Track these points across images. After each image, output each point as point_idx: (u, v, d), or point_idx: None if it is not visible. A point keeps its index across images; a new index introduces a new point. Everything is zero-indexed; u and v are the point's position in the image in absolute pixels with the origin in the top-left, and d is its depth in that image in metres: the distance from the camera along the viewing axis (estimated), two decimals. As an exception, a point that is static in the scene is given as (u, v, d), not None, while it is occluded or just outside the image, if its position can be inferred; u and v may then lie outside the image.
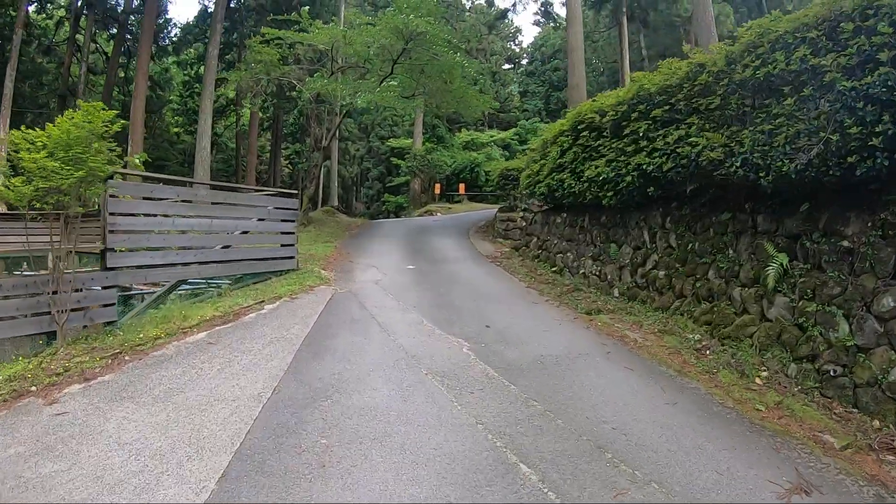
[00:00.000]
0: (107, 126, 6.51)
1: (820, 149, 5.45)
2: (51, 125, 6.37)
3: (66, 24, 35.31)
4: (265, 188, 16.54)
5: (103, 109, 6.47)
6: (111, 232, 7.52)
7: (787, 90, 5.83)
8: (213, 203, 10.12)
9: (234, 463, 4.00)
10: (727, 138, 6.66)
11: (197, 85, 36.89)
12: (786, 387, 5.76)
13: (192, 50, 41.05)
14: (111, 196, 7.52)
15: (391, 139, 45.67)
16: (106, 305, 7.46)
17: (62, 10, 37.06)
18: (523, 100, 53.83)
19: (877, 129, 4.88)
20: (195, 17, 40.11)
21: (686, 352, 6.86)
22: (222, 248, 9.87)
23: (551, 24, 50.56)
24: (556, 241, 13.04)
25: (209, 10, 33.56)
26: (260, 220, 11.01)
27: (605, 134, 9.64)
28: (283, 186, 38.05)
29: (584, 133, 10.32)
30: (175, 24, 53.00)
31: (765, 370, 6.10)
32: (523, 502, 3.60)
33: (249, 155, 37.76)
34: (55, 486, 3.77)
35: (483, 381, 5.72)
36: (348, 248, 16.44)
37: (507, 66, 59.42)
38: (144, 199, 8.73)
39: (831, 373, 5.50)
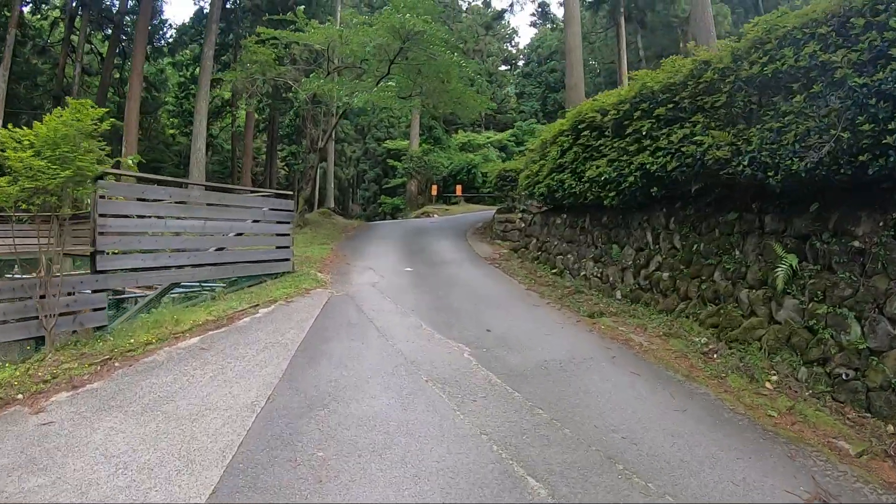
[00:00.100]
0: (95, 124, 6.28)
1: (831, 147, 5.31)
2: (38, 123, 6.16)
3: (61, 24, 35.08)
4: (260, 189, 16.30)
5: (92, 107, 6.23)
6: (101, 234, 7.28)
7: (796, 87, 5.70)
8: (207, 204, 9.88)
9: (225, 478, 3.79)
10: (734, 137, 6.51)
11: (192, 86, 36.67)
12: (796, 391, 5.62)
13: (187, 51, 40.84)
14: (101, 197, 7.30)
15: (388, 140, 45.51)
16: (96, 310, 7.22)
17: (57, 10, 36.80)
18: (520, 101, 53.78)
19: (890, 127, 4.74)
20: (191, 18, 39.97)
21: (693, 355, 6.69)
22: (216, 250, 9.65)
23: (548, 26, 50.53)
24: (556, 243, 12.86)
25: (205, 11, 33.39)
26: (255, 221, 10.80)
27: (606, 133, 9.49)
28: (279, 188, 37.78)
29: (585, 132, 10.15)
30: (171, 25, 52.70)
31: (774, 374, 5.95)
32: (532, 519, 3.41)
33: (245, 156, 37.57)
34: (38, 501, 3.56)
35: (486, 388, 5.52)
36: (345, 250, 16.22)
37: (503, 68, 59.40)
38: (137, 200, 8.51)
39: (843, 376, 5.36)
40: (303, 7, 21.80)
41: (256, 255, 10.73)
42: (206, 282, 10.25)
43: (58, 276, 6.58)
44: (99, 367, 6.03)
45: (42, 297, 6.47)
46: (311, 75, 21.17)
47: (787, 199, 6.41)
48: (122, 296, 10.81)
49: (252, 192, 13.59)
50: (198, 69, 29.53)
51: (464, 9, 52.29)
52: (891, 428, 4.78)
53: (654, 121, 8.05)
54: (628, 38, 35.21)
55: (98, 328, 7.20)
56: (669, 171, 7.57)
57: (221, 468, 3.91)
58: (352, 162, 51.34)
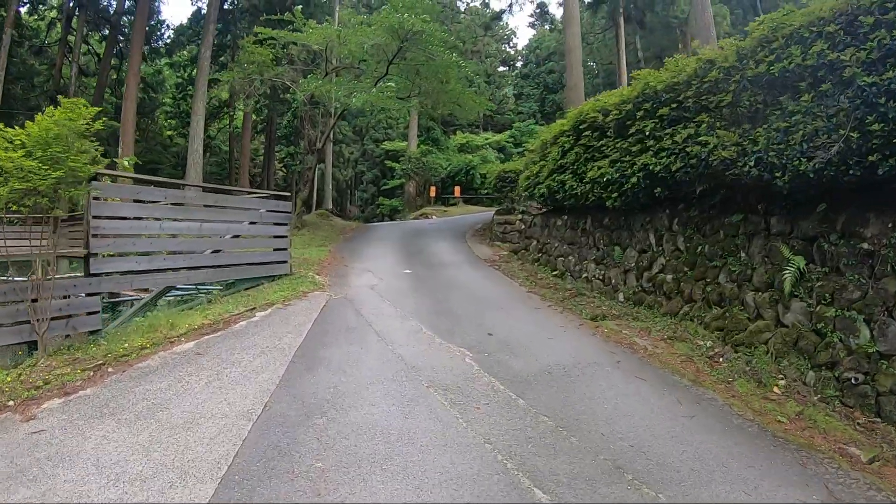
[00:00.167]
0: (88, 124, 6.13)
1: (840, 147, 5.21)
2: (30, 123, 6.03)
3: (58, 25, 34.88)
4: (257, 191, 16.16)
5: (85, 106, 6.08)
6: (94, 236, 7.15)
7: (803, 86, 5.60)
8: (203, 206, 9.74)
9: (220, 491, 3.64)
10: (740, 137, 6.39)
11: (190, 87, 36.51)
12: (805, 396, 5.53)
13: (185, 52, 40.68)
14: (95, 198, 7.15)
15: (386, 142, 45.36)
16: (90, 313, 7.08)
17: (54, 11, 36.62)
18: (518, 102, 53.74)
19: (900, 126, 4.62)
20: (188, 19, 39.83)
21: (699, 359, 6.58)
22: (213, 252, 9.51)
23: (546, 27, 50.46)
24: (556, 245, 12.73)
25: (202, 12, 33.21)
26: (252, 223, 10.66)
27: (608, 134, 9.37)
28: (276, 189, 37.67)
29: (587, 133, 10.02)
30: (168, 25, 52.83)
31: (782, 378, 5.85)
32: (540, 534, 3.28)
33: (243, 157, 37.42)
34: (24, 516, 3.42)
35: (489, 394, 5.38)
36: (343, 251, 16.09)
37: (501, 69, 59.32)
38: (132, 201, 8.37)
39: (852, 381, 5.27)
40: (300, 7, 21.64)
41: (253, 258, 10.59)
42: (202, 284, 10.09)
43: (49, 278, 6.43)
44: (92, 373, 5.89)
45: (34, 300, 6.34)
46: (308, 76, 21.04)
47: (793, 200, 6.31)
48: (118, 299, 10.65)
49: (249, 193, 13.47)
50: (195, 70, 29.39)
51: (462, 9, 52.24)
52: (902, 433, 4.67)
53: (657, 121, 7.93)
54: (627, 39, 35.13)
55: (92, 332, 7.07)
56: (673, 171, 7.45)
57: (216, 480, 3.76)
58: (350, 163, 51.17)
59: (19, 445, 4.34)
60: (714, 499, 3.69)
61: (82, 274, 7.25)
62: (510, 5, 66.16)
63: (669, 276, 8.33)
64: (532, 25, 54.93)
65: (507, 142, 42.99)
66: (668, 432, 4.69)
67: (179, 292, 10.19)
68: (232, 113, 41.75)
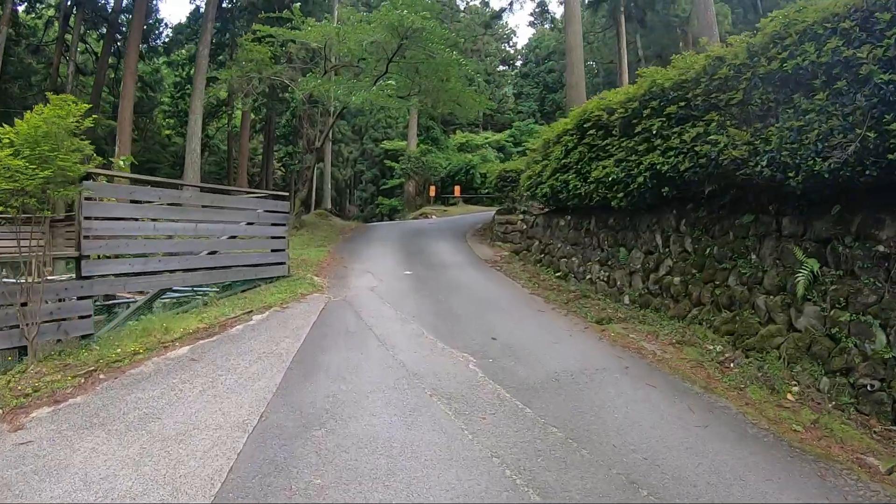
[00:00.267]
0: (79, 121, 5.92)
1: (856, 146, 5.05)
2: (19, 120, 5.81)
3: (56, 23, 34.65)
4: (255, 190, 15.96)
5: (75, 102, 5.87)
6: (86, 238, 6.92)
7: (817, 84, 5.45)
8: (199, 206, 9.54)
9: (213, 510, 3.45)
10: (751, 136, 6.22)
11: (188, 86, 36.30)
12: (819, 403, 5.37)
13: (183, 51, 40.46)
14: (87, 199, 6.94)
15: (385, 141, 45.15)
16: (82, 317, 6.85)
17: (51, 9, 36.36)
18: (517, 102, 53.56)
19: (919, 125, 4.47)
20: (187, 17, 39.63)
21: (709, 365, 6.40)
22: (209, 253, 9.30)
23: (546, 26, 50.27)
24: (559, 245, 12.53)
25: (201, 10, 32.98)
26: (249, 224, 10.44)
27: (613, 132, 9.19)
28: (275, 189, 37.51)
29: (591, 132, 9.84)
30: (166, 24, 52.49)
31: (795, 384, 5.69)
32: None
33: (241, 157, 37.18)
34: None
35: (494, 403, 5.18)
36: (342, 252, 15.88)
37: (501, 68, 59.13)
38: (125, 201, 8.16)
39: (868, 387, 5.12)
40: (299, 4, 21.43)
41: (251, 259, 10.38)
42: (198, 286, 9.89)
43: (40, 281, 6.22)
44: (83, 380, 5.69)
45: (24, 304, 6.13)
46: (307, 74, 20.83)
47: (806, 200, 6.14)
48: (114, 301, 10.45)
49: (247, 193, 13.26)
50: (193, 69, 29.16)
51: (461, 8, 52.01)
52: (920, 442, 4.54)
53: (664, 119, 7.76)
54: (627, 38, 34.94)
55: (84, 337, 6.85)
56: (682, 171, 7.27)
57: (209, 498, 3.56)
58: (349, 163, 50.96)
59: (6, 458, 4.14)
60: (735, 517, 3.50)
61: (74, 276, 7.04)
62: (510, 4, 65.91)
63: (677, 279, 8.14)
64: (532, 24, 54.76)
65: (507, 141, 42.82)
66: (681, 443, 4.51)
67: (175, 294, 10.00)
68: (230, 112, 41.51)
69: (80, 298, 6.89)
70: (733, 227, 7.26)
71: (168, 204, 8.83)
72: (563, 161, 11.05)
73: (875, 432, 4.82)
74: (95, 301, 8.57)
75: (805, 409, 5.23)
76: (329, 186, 39.98)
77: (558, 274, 11.87)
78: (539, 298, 10.01)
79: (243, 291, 9.86)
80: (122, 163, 10.40)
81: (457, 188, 34.10)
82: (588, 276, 10.71)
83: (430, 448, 4.26)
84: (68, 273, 9.13)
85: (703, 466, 4.13)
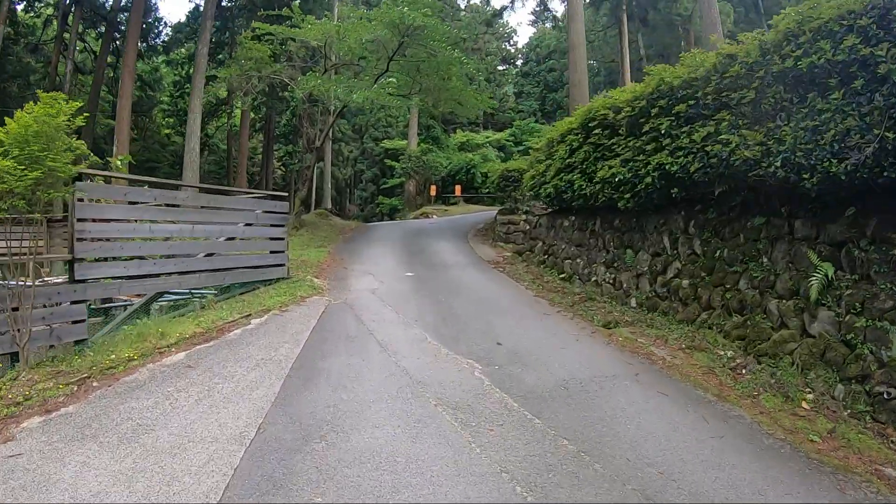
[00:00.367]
0: (69, 120, 5.72)
1: (875, 147, 4.89)
2: (9, 119, 5.63)
3: (54, 22, 34.46)
4: (254, 191, 15.80)
5: (65, 100, 5.67)
6: (80, 240, 6.73)
7: (833, 83, 5.28)
8: (196, 207, 9.35)
9: (208, 532, 3.26)
10: (764, 136, 6.03)
11: (187, 85, 36.08)
12: (834, 411, 5.22)
13: (182, 50, 40.28)
14: (80, 200, 6.75)
15: (385, 140, 44.97)
16: (75, 322, 6.67)
17: (50, 8, 36.17)
18: (518, 101, 53.40)
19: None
20: (186, 16, 39.56)
21: (720, 371, 6.23)
22: (206, 255, 9.10)
23: (547, 25, 50.03)
24: (563, 246, 12.34)
25: (200, 9, 32.80)
26: (248, 224, 10.24)
27: (620, 132, 9.02)
28: (275, 188, 37.40)
29: (597, 131, 9.65)
30: (166, 23, 52.44)
31: (809, 392, 5.53)
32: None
33: (241, 156, 36.99)
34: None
35: (502, 413, 4.98)
36: (342, 253, 15.69)
37: (501, 67, 58.93)
38: (120, 203, 7.97)
39: (885, 395, 4.95)
40: (298, 2, 21.22)
41: (249, 261, 10.18)
42: (196, 289, 9.70)
43: (31, 286, 6.03)
44: (76, 388, 5.52)
45: (15, 309, 5.93)
46: (307, 73, 20.62)
47: (820, 203, 5.98)
48: (111, 304, 10.24)
49: (245, 193, 13.08)
50: (192, 68, 28.99)
51: (462, 7, 51.78)
52: (938, 453, 4.41)
53: (673, 118, 7.57)
54: (629, 37, 34.76)
55: (77, 342, 6.67)
56: (691, 172, 7.08)
57: (204, 518, 3.38)
58: (349, 162, 50.78)
59: (-5, 471, 3.96)
60: (759, 538, 3.32)
61: (67, 280, 6.85)
62: (512, 2, 65.40)
63: (685, 282, 7.95)
64: (533, 23, 54.50)
65: (508, 140, 42.62)
66: (696, 456, 4.33)
67: (173, 296, 9.81)
68: (230, 111, 41.35)
69: (73, 303, 6.70)
70: (744, 230, 7.08)
71: (164, 205, 8.64)
72: (567, 161, 10.86)
73: (893, 442, 4.68)
74: (90, 305, 8.38)
75: (820, 418, 5.08)
76: (329, 186, 39.78)
77: (562, 275, 11.69)
78: (544, 301, 9.83)
79: (242, 294, 9.67)
80: (119, 162, 10.18)
81: (457, 187, 33.92)
82: (593, 278, 10.52)
83: (436, 463, 4.06)
84: (67, 274, 8.95)
85: (721, 481, 3.97)
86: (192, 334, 7.14)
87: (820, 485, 4.01)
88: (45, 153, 5.47)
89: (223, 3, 32.01)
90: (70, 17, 31.73)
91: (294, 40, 20.99)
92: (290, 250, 11.90)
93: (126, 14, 32.14)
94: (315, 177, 35.94)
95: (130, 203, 8.11)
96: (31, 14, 36.69)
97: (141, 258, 8.01)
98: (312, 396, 5.32)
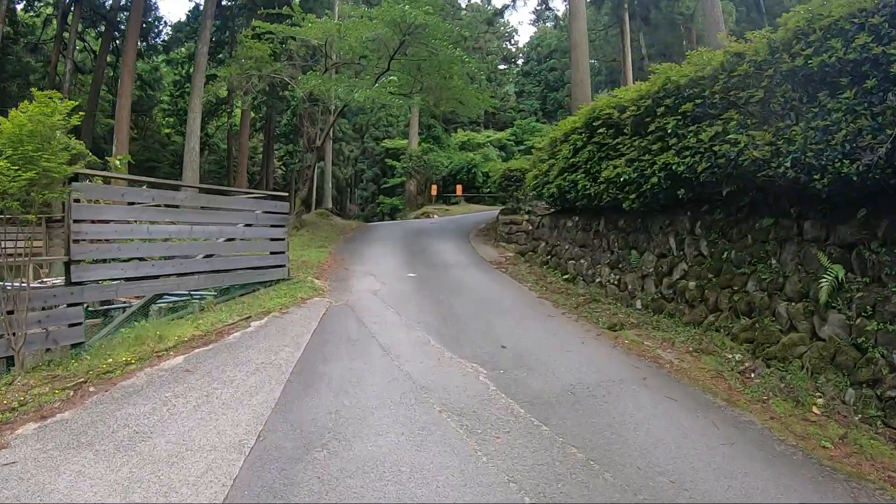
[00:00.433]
0: (64, 119, 5.60)
1: (888, 147, 4.80)
2: (3, 119, 5.51)
3: (54, 21, 34.37)
4: (253, 191, 15.67)
5: (60, 99, 5.55)
6: (76, 241, 6.61)
7: (844, 82, 5.20)
8: (195, 208, 9.23)
9: (205, 547, 3.14)
10: (773, 136, 5.93)
11: (188, 85, 36.00)
12: (845, 416, 5.11)
13: (183, 49, 40.16)
14: (76, 201, 6.63)
15: (386, 140, 44.85)
16: (72, 325, 6.55)
17: (50, 7, 36.09)
18: (519, 100, 53.23)
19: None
20: (186, 15, 39.41)
21: (729, 375, 6.12)
22: (205, 257, 8.98)
23: (548, 24, 49.89)
24: (567, 247, 12.21)
25: (200, 8, 32.68)
26: (247, 225, 10.11)
27: (625, 131, 8.91)
28: (275, 188, 37.31)
29: (601, 130, 9.54)
30: (166, 22, 52.34)
31: (820, 396, 5.42)
32: None
33: (241, 156, 36.90)
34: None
35: (508, 420, 4.85)
36: (343, 253, 15.56)
37: (502, 66, 58.79)
38: (117, 203, 7.84)
39: (896, 399, 4.83)
40: (299, 0, 21.10)
41: (249, 262, 10.06)
42: (195, 290, 9.57)
43: (26, 288, 5.91)
44: (72, 393, 5.39)
45: (10, 312, 5.82)
46: (308, 72, 20.52)
47: (830, 204, 5.88)
48: (111, 307, 10.12)
49: (245, 193, 12.96)
50: (192, 67, 28.89)
51: (463, 6, 51.63)
52: (952, 459, 4.32)
53: (679, 118, 7.47)
54: (630, 36, 34.64)
55: (74, 345, 6.55)
56: (699, 172, 6.97)
57: (202, 532, 3.26)
58: (350, 161, 50.67)
59: (-12, 481, 3.85)
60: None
61: (63, 282, 6.73)
62: (513, 1, 65.09)
63: (692, 283, 7.83)
64: (534, 23, 54.40)
65: (509, 140, 42.50)
66: (708, 464, 4.22)
67: (172, 298, 9.69)
68: (230, 110, 41.25)
69: (69, 305, 6.58)
70: (752, 231, 6.97)
71: (163, 205, 8.52)
72: (571, 160, 10.75)
73: (905, 447, 4.58)
74: (87, 307, 8.26)
75: (832, 424, 4.98)
76: (330, 185, 39.67)
77: (566, 276, 11.56)
78: (547, 302, 9.70)
79: (241, 295, 9.55)
80: (118, 162, 10.07)
81: (458, 187, 33.79)
82: (597, 280, 10.40)
83: (441, 472, 3.93)
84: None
85: (734, 490, 3.87)
86: (191, 337, 7.01)
87: (833, 493, 3.93)
88: (40, 153, 5.34)
89: (223, 3, 31.91)
90: (70, 17, 31.66)
91: (294, 39, 20.87)
92: (291, 251, 11.78)
93: (125, 13, 32.08)
94: (316, 176, 35.84)
95: (129, 203, 8.00)
96: (31, 13, 36.64)
97: (139, 259, 7.88)
98: (314, 402, 5.20)
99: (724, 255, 7.35)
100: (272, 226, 10.78)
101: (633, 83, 9.40)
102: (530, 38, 58.14)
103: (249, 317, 8.09)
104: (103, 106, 37.71)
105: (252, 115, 39.66)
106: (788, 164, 5.67)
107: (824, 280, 5.63)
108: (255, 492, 3.68)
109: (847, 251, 5.67)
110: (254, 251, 10.42)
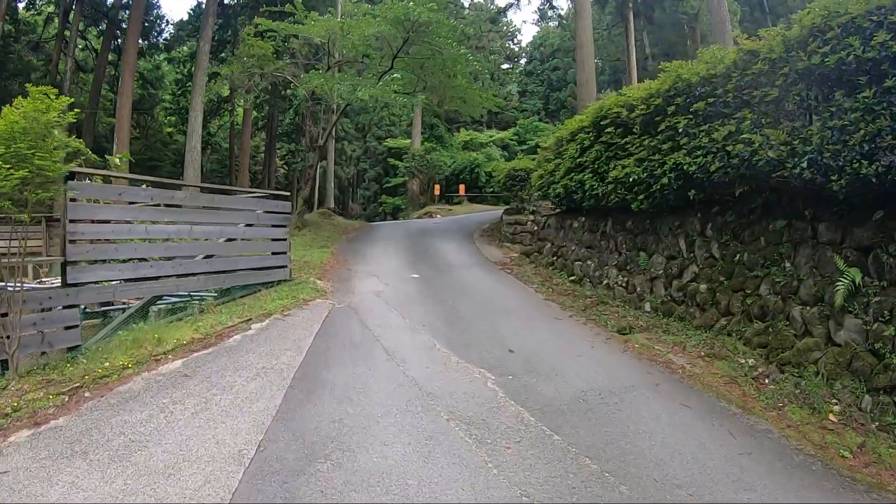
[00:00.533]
0: (59, 116, 5.43)
1: (909, 148, 4.62)
2: (-4, 115, 5.35)
3: (55, 20, 34.27)
4: (255, 190, 15.50)
5: (55, 95, 5.38)
6: (72, 242, 6.43)
7: (863, 81, 5.05)
8: (193, 207, 9.05)
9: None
10: (788, 135, 5.76)
11: (189, 83, 35.90)
12: (862, 423, 4.95)
13: (185, 47, 40.06)
14: (72, 200, 6.46)
15: (389, 139, 44.66)
16: (68, 328, 6.38)
17: (51, 5, 35.99)
18: (522, 100, 53.01)
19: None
20: (189, 13, 39.42)
21: (742, 381, 5.96)
22: (205, 257, 8.81)
23: (552, 24, 49.74)
24: (573, 248, 12.03)
25: (202, 6, 32.57)
26: (248, 225, 9.92)
27: (634, 130, 8.74)
28: (278, 187, 37.17)
29: (609, 129, 9.37)
30: (168, 21, 52.23)
31: (836, 403, 5.26)
32: None
33: (243, 155, 36.78)
34: None
35: (519, 429, 4.68)
36: (346, 253, 15.39)
37: (505, 66, 58.62)
38: (115, 203, 7.68)
39: (914, 407, 4.70)
40: (301, -2, 20.96)
41: (250, 262, 9.87)
42: (195, 291, 9.40)
43: (20, 290, 5.75)
44: (67, 398, 5.24)
45: (4, 314, 5.66)
46: (310, 71, 20.36)
47: (846, 206, 5.70)
48: (110, 307, 9.96)
49: (246, 192, 12.78)
50: (194, 66, 28.76)
51: (466, 5, 51.45)
52: (970, 468, 4.19)
53: (691, 117, 7.29)
54: (634, 35, 34.45)
55: (70, 349, 6.38)
56: (711, 172, 6.80)
57: (199, 551, 3.09)
58: (352, 161, 50.53)
59: (-22, 492, 3.70)
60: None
61: (59, 284, 6.57)
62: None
63: (703, 286, 7.66)
64: (537, 22, 54.28)
65: (511, 139, 42.29)
66: (727, 475, 4.08)
67: (172, 299, 9.53)
68: (232, 109, 41.13)
69: (65, 307, 6.42)
70: (765, 233, 6.78)
71: (163, 205, 8.35)
72: (578, 160, 10.58)
73: (923, 456, 4.44)
74: (86, 309, 8.11)
75: (849, 432, 4.84)
76: (332, 185, 39.48)
77: (572, 278, 11.38)
78: (554, 304, 9.53)
79: (242, 297, 9.37)
80: (117, 160, 9.88)
81: (461, 187, 33.60)
82: (605, 281, 10.22)
83: (450, 486, 3.76)
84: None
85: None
86: (190, 340, 6.84)
87: (854, 505, 3.75)
88: (33, 151, 5.17)
89: (226, 1, 31.78)
90: (71, 15, 31.53)
91: (297, 37, 20.71)
92: (293, 251, 11.61)
93: (127, 12, 31.94)
94: (318, 176, 35.70)
95: (128, 203, 7.84)
96: (32, 11, 36.53)
97: (138, 260, 7.72)
98: (316, 410, 5.03)
99: (737, 258, 7.18)
100: (274, 225, 10.60)
101: (646, 81, 9.22)
102: (533, 37, 58.05)
103: (250, 319, 7.91)
104: (105, 105, 37.59)
105: (254, 113, 39.54)
106: (805, 165, 5.51)
107: (840, 284, 5.46)
108: (255, 507, 3.50)
109: (863, 254, 5.51)
110: (255, 251, 10.24)
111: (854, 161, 5.01)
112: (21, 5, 33.28)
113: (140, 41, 29.93)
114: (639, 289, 9.13)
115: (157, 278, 7.87)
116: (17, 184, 5.11)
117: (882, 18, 4.94)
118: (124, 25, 32.25)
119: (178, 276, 8.18)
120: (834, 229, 5.87)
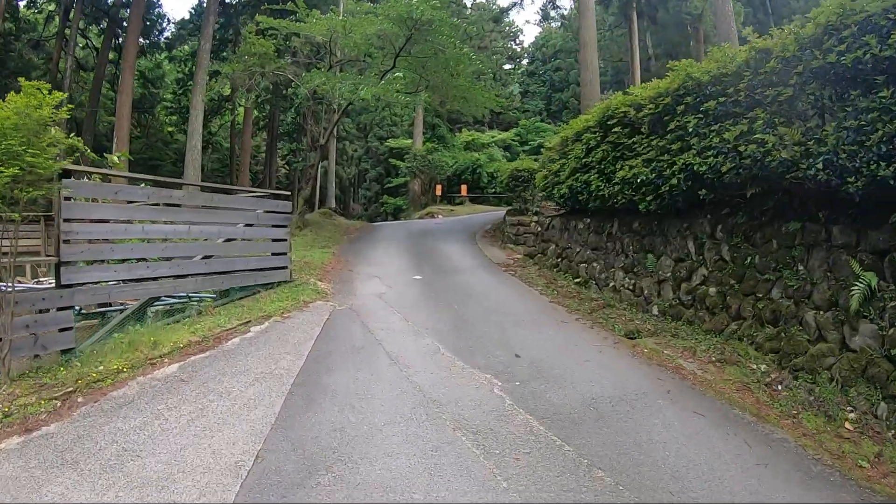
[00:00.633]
0: (53, 112, 5.26)
1: (929, 150, 4.51)
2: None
3: (56, 18, 34.18)
4: (255, 189, 15.32)
5: (48, 91, 5.21)
6: (66, 242, 6.27)
7: (880, 80, 4.91)
8: (192, 207, 8.89)
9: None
10: (802, 135, 5.61)
11: (190, 82, 35.79)
12: (879, 431, 4.80)
13: (186, 47, 40.00)
14: (67, 199, 6.30)
15: (390, 139, 44.56)
16: (62, 330, 6.21)
17: (52, 4, 35.90)
18: (524, 100, 52.90)
19: None
20: (190, 12, 39.31)
21: (755, 387, 5.79)
22: (203, 258, 8.64)
23: (554, 25, 49.65)
24: (578, 249, 11.85)
25: (204, 4, 32.46)
26: (248, 225, 9.75)
27: (641, 130, 8.55)
28: (279, 187, 37.02)
29: (616, 129, 9.19)
30: (169, 19, 52.15)
31: (851, 410, 5.11)
32: None
33: (243, 154, 36.67)
34: None
35: (528, 438, 4.50)
36: (347, 254, 15.23)
37: (507, 66, 58.51)
38: (112, 202, 7.52)
39: (931, 415, 4.54)
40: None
41: (249, 263, 9.70)
42: (193, 292, 9.24)
43: (11, 290, 5.58)
44: (59, 403, 5.08)
45: (-5, 317, 5.50)
46: (312, 70, 20.22)
47: (861, 208, 5.54)
48: (108, 308, 9.80)
49: (246, 192, 12.62)
50: (195, 65, 28.63)
51: (468, 4, 51.31)
52: None
53: (701, 116, 7.11)
54: (637, 36, 34.32)
55: (64, 351, 6.22)
56: (723, 173, 6.63)
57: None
58: (353, 161, 50.40)
59: (-35, 503, 3.54)
60: None
61: (53, 285, 6.41)
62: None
63: (713, 289, 7.48)
64: (539, 23, 54.15)
65: (513, 140, 42.18)
66: (745, 488, 3.93)
67: (170, 300, 9.36)
68: (233, 108, 40.99)
69: (59, 309, 6.25)
70: (777, 235, 6.61)
71: (160, 204, 8.19)
72: (583, 160, 10.40)
73: (940, 467, 4.30)
74: (80, 310, 7.95)
75: (866, 440, 4.69)
76: (333, 185, 39.31)
77: (577, 280, 11.21)
78: (560, 307, 9.36)
79: (241, 298, 9.20)
80: (116, 158, 9.74)
81: (463, 187, 33.52)
82: (611, 284, 10.05)
83: (458, 500, 3.59)
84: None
85: (776, 520, 3.54)
86: (187, 343, 6.68)
87: (876, 518, 3.59)
88: (25, 148, 5.00)
89: (227, 0, 31.70)
90: (72, 13, 31.46)
91: (298, 36, 20.58)
92: (293, 251, 11.46)
93: (128, 10, 31.82)
94: (319, 176, 35.55)
95: (126, 202, 7.68)
96: (33, 10, 36.49)
97: (135, 260, 7.55)
98: (317, 418, 4.85)
99: (748, 261, 7.00)
100: (274, 226, 10.44)
101: (640, 83, 9.07)
102: (535, 38, 57.92)
103: (249, 321, 7.75)
104: (105, 103, 37.52)
105: (255, 113, 39.46)
106: (820, 166, 5.36)
107: (856, 288, 5.30)
108: (252, 523, 3.33)
109: (879, 258, 5.34)
110: (255, 252, 10.08)
111: (871, 162, 4.87)
112: (22, 3, 33.35)
113: (141, 40, 29.85)
114: (646, 292, 8.96)
115: (154, 279, 7.71)
116: (8, 182, 4.94)
117: (898, 16, 4.77)
118: (125, 24, 32.13)
119: (176, 276, 8.02)
120: (848, 232, 5.70)
